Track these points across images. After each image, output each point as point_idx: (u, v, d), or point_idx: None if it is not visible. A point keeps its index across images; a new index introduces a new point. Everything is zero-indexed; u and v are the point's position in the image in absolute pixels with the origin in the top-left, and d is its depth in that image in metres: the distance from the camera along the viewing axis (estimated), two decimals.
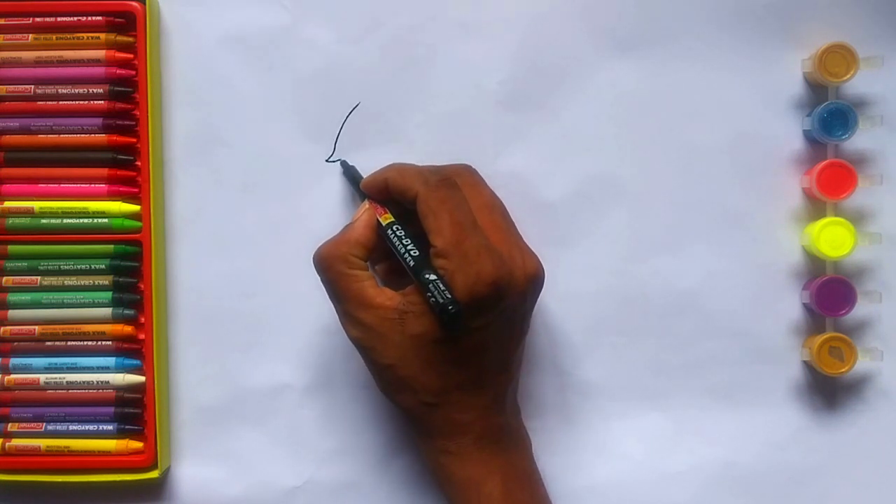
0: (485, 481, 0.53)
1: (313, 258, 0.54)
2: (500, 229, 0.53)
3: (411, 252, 0.52)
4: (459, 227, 0.51)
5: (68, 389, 0.58)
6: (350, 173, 0.59)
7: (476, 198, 0.54)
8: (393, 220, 0.54)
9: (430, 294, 0.50)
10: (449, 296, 0.50)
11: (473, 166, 0.56)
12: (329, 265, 0.53)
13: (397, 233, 0.53)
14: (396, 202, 0.54)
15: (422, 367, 0.52)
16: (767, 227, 0.60)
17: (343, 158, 0.59)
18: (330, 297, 0.54)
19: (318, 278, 0.54)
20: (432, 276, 0.50)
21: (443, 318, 0.50)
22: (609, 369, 0.60)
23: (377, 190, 0.55)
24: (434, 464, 0.55)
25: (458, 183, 0.53)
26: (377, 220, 0.54)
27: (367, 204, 0.55)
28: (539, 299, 0.55)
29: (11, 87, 0.58)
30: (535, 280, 0.54)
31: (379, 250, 0.54)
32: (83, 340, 0.58)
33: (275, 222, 0.60)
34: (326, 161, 0.60)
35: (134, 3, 0.58)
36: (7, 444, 0.58)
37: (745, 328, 0.60)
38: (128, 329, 0.58)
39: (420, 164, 0.58)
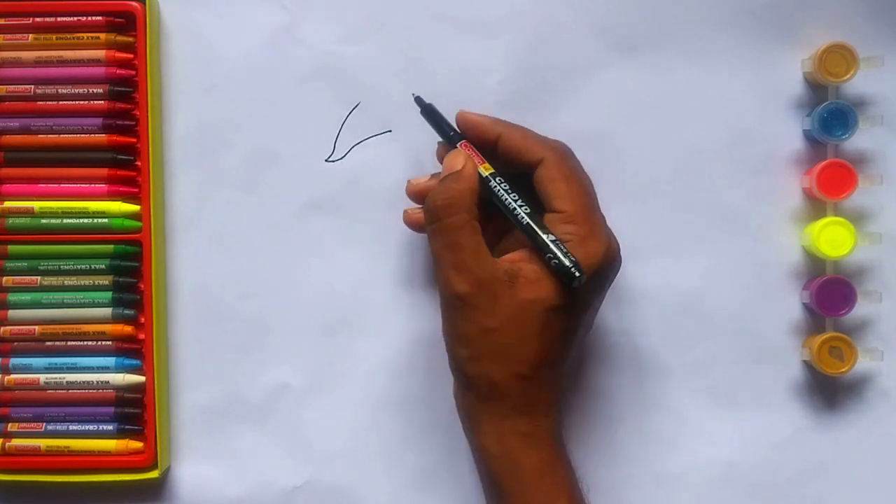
0: (556, 469, 0.51)
1: (433, 203, 0.51)
2: (597, 210, 0.53)
3: (523, 208, 0.50)
4: (589, 198, 0.51)
5: (68, 389, 0.58)
6: (429, 111, 0.55)
7: None
8: (494, 170, 0.51)
9: (550, 256, 0.48)
10: (574, 258, 0.48)
11: None
12: (454, 210, 0.50)
13: (502, 185, 0.51)
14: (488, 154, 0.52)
15: (523, 335, 0.50)
16: (767, 227, 0.60)
17: (418, 94, 0.56)
18: (440, 247, 0.51)
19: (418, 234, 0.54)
20: (552, 237, 0.49)
21: (566, 280, 0.48)
22: (609, 369, 0.60)
23: (483, 139, 0.53)
24: (500, 450, 0.51)
25: None
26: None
27: (461, 148, 0.53)
28: None
29: (11, 87, 0.58)
30: (619, 266, 0.54)
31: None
32: (83, 340, 0.58)
33: (275, 222, 0.60)
34: (326, 161, 0.60)
35: (134, 3, 0.58)
36: (7, 444, 0.58)
37: (745, 328, 0.60)
38: (128, 329, 0.58)
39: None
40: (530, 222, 0.50)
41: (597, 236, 0.50)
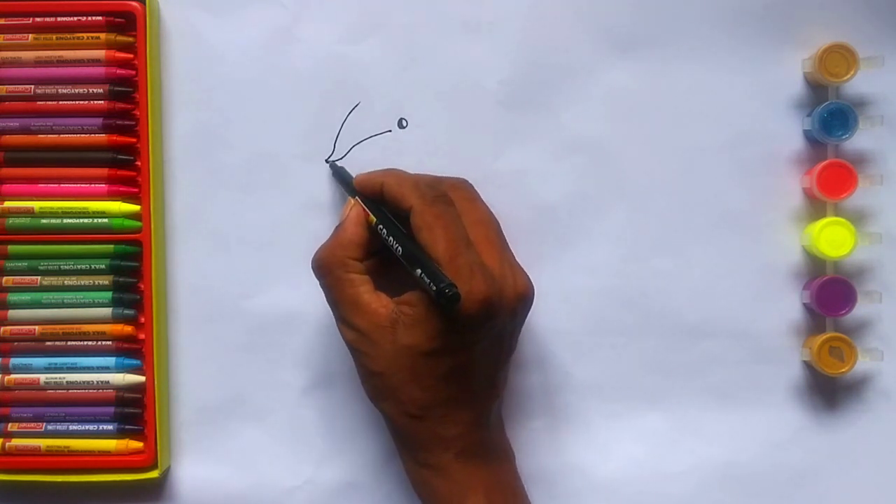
0: (467, 496, 0.53)
1: (311, 264, 0.54)
2: (492, 246, 0.53)
3: (398, 250, 0.52)
4: (453, 244, 0.51)
5: (68, 389, 0.58)
6: (340, 174, 0.59)
7: (471, 213, 0.54)
8: (375, 220, 0.53)
9: (426, 282, 0.49)
10: (446, 280, 0.48)
11: (470, 175, 0.56)
12: (327, 270, 0.53)
13: (382, 233, 0.53)
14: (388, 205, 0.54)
15: (409, 378, 0.52)
16: (767, 227, 0.60)
17: (331, 160, 0.59)
18: (327, 301, 0.54)
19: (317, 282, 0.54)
20: (424, 268, 0.50)
21: (441, 301, 0.48)
22: (609, 369, 0.60)
23: (371, 191, 0.55)
24: (416, 477, 0.55)
25: (453, 198, 0.53)
26: (367, 217, 0.54)
27: (352, 201, 0.55)
28: (539, 299, 0.55)
29: (11, 87, 0.58)
30: (524, 299, 0.53)
31: (370, 245, 0.54)
32: (83, 340, 0.58)
33: (275, 222, 0.60)
34: (326, 161, 0.60)
35: (134, 3, 0.58)
36: (7, 444, 0.58)
37: (745, 328, 0.60)
38: (128, 329, 0.59)
39: (419, 161, 0.58)
40: (404, 261, 0.51)
41: (459, 285, 0.49)
